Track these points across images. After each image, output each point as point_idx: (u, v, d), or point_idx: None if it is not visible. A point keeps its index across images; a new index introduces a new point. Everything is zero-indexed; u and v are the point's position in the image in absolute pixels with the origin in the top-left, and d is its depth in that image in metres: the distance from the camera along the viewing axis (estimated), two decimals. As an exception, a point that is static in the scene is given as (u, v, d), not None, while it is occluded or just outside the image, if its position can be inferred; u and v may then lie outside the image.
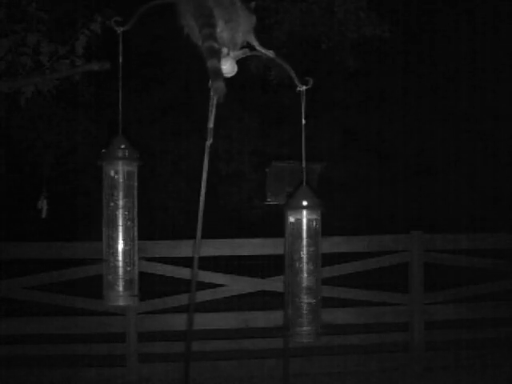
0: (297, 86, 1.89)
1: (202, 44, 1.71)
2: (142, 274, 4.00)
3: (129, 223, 1.73)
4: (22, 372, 3.96)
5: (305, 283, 1.85)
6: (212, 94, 1.73)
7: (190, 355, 2.32)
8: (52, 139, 8.18)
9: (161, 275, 4.11)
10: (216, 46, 1.70)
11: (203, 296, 4.02)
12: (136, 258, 1.76)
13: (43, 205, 4.33)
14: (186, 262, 3.45)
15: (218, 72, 1.70)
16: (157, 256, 4.05)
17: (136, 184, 1.76)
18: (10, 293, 4.00)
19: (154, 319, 4.09)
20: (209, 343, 4.12)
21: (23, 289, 4.00)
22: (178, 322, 3.97)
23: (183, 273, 3.96)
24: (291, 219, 1.85)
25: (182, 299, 3.95)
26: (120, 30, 1.77)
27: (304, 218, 1.84)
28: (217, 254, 4.13)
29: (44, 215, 4.35)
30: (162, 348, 4.11)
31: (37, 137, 8.02)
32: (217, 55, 1.71)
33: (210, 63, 1.70)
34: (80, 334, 4.11)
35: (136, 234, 1.76)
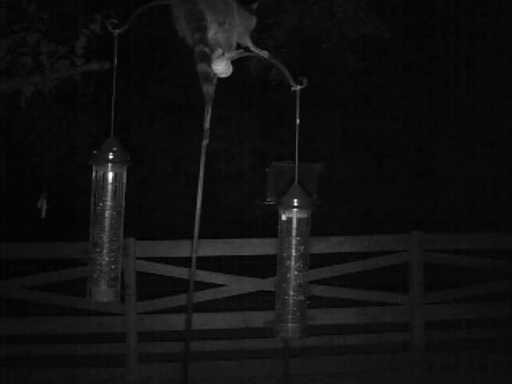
0: (292, 86, 1.91)
1: (193, 48, 1.73)
2: (142, 274, 4.02)
3: (116, 224, 1.80)
4: (22, 372, 3.96)
5: (293, 281, 1.87)
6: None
7: (189, 355, 2.32)
8: (52, 139, 8.17)
9: (161, 275, 4.11)
10: (206, 50, 1.73)
11: (203, 296, 4.03)
12: (120, 257, 1.83)
13: (43, 205, 4.33)
14: (186, 262, 3.45)
15: (207, 76, 1.73)
16: (157, 256, 4.05)
17: (125, 185, 1.81)
18: (10, 293, 4.00)
19: (154, 319, 4.09)
20: (209, 343, 4.13)
21: (23, 289, 4.00)
22: (178, 322, 3.97)
23: (183, 273, 3.97)
24: (283, 217, 1.88)
25: (182, 299, 3.96)
26: (116, 32, 1.78)
27: (294, 216, 1.86)
28: (217, 254, 4.13)
29: (44, 215, 4.35)
30: (161, 348, 4.11)
31: (37, 137, 8.02)
32: (207, 60, 1.73)
33: (200, 68, 1.72)
34: (80, 334, 4.11)
35: (122, 233, 1.82)
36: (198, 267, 2.12)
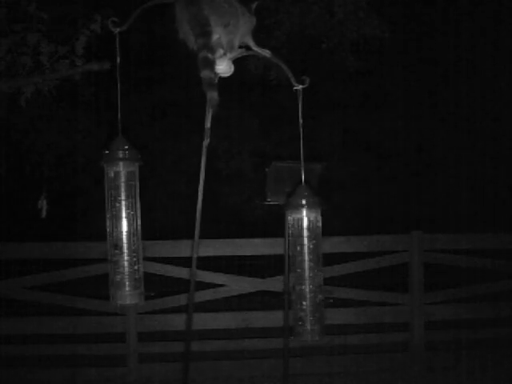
0: (294, 86, 1.91)
1: (197, 53, 1.73)
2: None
3: (133, 223, 1.77)
4: (21, 372, 3.96)
5: (308, 282, 1.86)
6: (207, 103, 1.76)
7: (189, 355, 2.32)
8: (52, 139, 8.17)
9: (161, 275, 4.11)
10: (210, 56, 1.72)
11: (204, 296, 4.03)
12: (141, 257, 1.80)
13: (43, 205, 4.33)
14: (186, 262, 3.45)
15: (211, 83, 1.72)
16: (157, 256, 4.05)
17: (138, 183, 1.78)
18: (10, 293, 4.00)
19: (154, 319, 4.09)
20: (209, 343, 4.13)
21: (23, 289, 4.00)
22: (178, 322, 3.97)
23: (183, 273, 3.97)
24: (291, 218, 1.86)
25: (182, 299, 3.96)
26: (116, 30, 1.78)
27: (304, 216, 1.84)
28: (217, 254, 4.13)
29: (44, 215, 4.35)
30: (161, 348, 4.11)
31: (37, 137, 8.02)
32: (210, 66, 1.73)
33: (204, 74, 1.72)
34: (80, 334, 4.11)
35: (140, 232, 1.79)
36: (198, 267, 2.12)
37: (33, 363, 4.03)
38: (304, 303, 1.86)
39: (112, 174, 1.75)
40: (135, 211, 1.78)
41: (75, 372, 3.98)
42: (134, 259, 1.76)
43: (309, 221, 1.84)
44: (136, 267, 1.77)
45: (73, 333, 4.08)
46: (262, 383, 4.00)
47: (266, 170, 4.54)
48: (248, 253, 4.27)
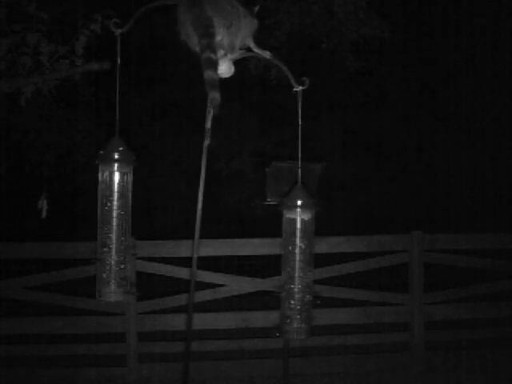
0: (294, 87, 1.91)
1: (200, 54, 1.73)
2: (142, 274, 4.02)
3: (124, 223, 1.80)
4: (22, 372, 3.96)
5: (297, 282, 1.87)
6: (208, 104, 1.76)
7: (189, 355, 2.32)
8: (52, 139, 8.18)
9: (161, 275, 4.11)
10: (213, 57, 1.72)
11: (203, 296, 4.03)
12: (129, 256, 1.83)
13: (43, 205, 4.33)
14: (186, 262, 3.46)
15: (214, 83, 1.72)
16: (157, 256, 4.05)
17: (131, 185, 1.79)
18: (10, 293, 4.00)
19: (154, 319, 4.09)
20: (209, 343, 4.13)
21: (23, 289, 4.00)
22: (178, 322, 3.97)
23: (183, 273, 3.97)
24: (286, 218, 1.87)
25: (182, 299, 3.96)
26: (118, 31, 1.78)
27: (298, 217, 1.85)
28: (217, 254, 4.14)
29: (44, 215, 4.35)
30: (161, 348, 4.11)
31: (37, 137, 8.02)
32: (214, 66, 1.73)
33: (207, 74, 1.72)
34: (80, 334, 4.11)
35: (129, 233, 1.82)
36: (198, 267, 2.12)
37: (33, 363, 4.03)
38: (292, 302, 1.87)
39: (106, 174, 1.77)
40: (126, 211, 1.80)
41: (75, 372, 3.99)
42: (121, 258, 1.79)
43: (302, 221, 1.85)
44: (122, 266, 1.80)
45: (73, 333, 4.08)
46: (261, 383, 4.00)
47: (266, 170, 4.54)
48: (248, 253, 4.27)
